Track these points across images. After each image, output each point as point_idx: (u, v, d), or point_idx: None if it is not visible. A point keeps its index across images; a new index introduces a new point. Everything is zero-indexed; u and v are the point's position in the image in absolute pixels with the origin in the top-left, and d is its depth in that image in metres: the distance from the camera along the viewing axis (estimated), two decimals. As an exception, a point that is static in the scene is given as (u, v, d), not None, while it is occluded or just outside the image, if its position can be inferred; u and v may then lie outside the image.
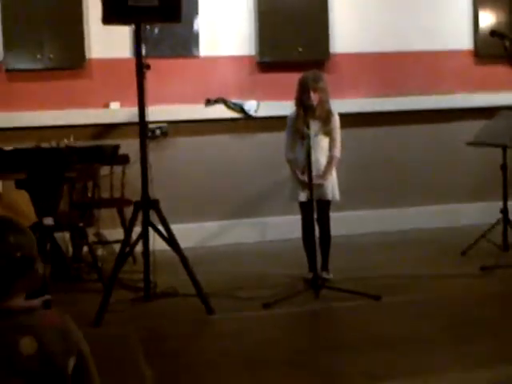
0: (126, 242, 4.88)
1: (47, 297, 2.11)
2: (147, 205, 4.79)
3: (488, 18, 7.22)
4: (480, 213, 6.86)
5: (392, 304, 4.79)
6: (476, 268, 5.42)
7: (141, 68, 4.79)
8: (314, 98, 5.16)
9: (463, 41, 7.27)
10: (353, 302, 4.80)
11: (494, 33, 5.33)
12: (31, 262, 2.07)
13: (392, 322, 4.45)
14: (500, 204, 5.96)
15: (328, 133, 5.27)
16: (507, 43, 5.26)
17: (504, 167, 5.94)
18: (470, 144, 6.12)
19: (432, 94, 7.14)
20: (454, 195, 7.24)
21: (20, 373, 1.97)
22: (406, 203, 7.15)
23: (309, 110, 5.10)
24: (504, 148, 5.89)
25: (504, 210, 5.95)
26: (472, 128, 6.30)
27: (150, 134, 5.73)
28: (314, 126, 5.14)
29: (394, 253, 6.26)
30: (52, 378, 2.00)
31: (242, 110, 6.77)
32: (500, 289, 5.00)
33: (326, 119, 5.25)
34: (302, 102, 5.16)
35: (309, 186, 4.99)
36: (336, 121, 5.30)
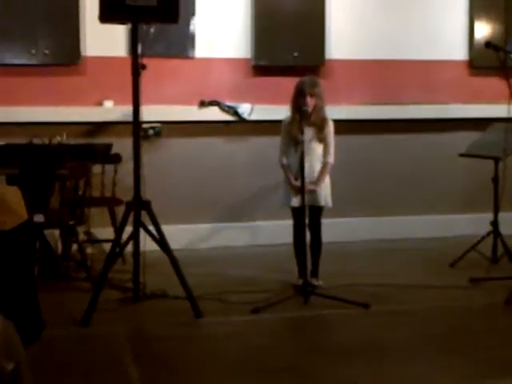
0: (117, 242, 4.85)
1: None
2: (139, 205, 4.77)
3: (483, 30, 7.24)
4: (470, 224, 6.88)
5: (381, 313, 4.79)
6: (465, 279, 5.42)
7: (137, 67, 4.77)
8: (310, 103, 5.16)
9: (459, 51, 7.29)
10: (342, 309, 4.79)
11: (489, 44, 5.33)
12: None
13: (380, 331, 4.44)
14: (490, 216, 5.98)
15: (322, 139, 5.26)
16: (502, 55, 5.27)
17: (495, 179, 5.95)
18: (462, 155, 6.14)
19: (426, 104, 7.15)
20: (445, 206, 7.25)
21: None
22: (397, 212, 7.16)
23: (304, 115, 5.09)
24: (496, 160, 5.91)
25: (494, 222, 5.96)
26: (465, 139, 6.33)
27: (143, 133, 5.71)
28: (309, 131, 5.13)
29: (384, 261, 6.27)
30: None
31: (235, 113, 6.76)
32: (489, 301, 5.00)
33: (320, 125, 5.25)
34: (298, 107, 5.16)
35: (301, 191, 4.99)
36: (330, 127, 5.30)
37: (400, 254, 6.56)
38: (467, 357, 3.96)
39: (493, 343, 4.21)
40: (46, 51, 6.32)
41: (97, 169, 5.98)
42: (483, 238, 6.01)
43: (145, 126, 6.04)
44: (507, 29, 7.21)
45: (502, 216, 5.97)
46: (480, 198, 6.75)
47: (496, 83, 6.76)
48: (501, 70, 5.22)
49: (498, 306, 4.88)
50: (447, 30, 7.25)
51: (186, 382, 3.71)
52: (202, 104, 6.71)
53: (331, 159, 5.28)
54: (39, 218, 5.03)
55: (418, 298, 5.11)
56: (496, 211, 5.96)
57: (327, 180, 5.31)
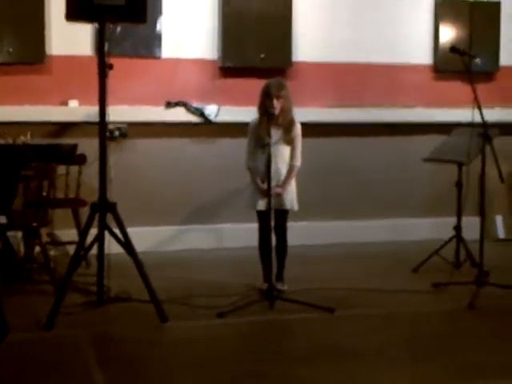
0: (81, 245, 4.80)
1: None
2: (105, 208, 4.72)
3: (448, 34, 7.32)
4: (433, 229, 6.96)
5: (345, 317, 4.80)
6: (428, 284, 5.47)
7: (103, 67, 4.71)
8: (277, 105, 5.15)
9: (423, 55, 7.37)
10: (307, 313, 4.80)
11: (453, 49, 5.37)
12: None
13: (344, 336, 4.46)
14: (454, 221, 6.04)
15: (289, 141, 5.26)
16: (467, 59, 5.31)
17: (459, 184, 6.01)
18: (426, 160, 6.18)
19: (391, 107, 7.20)
20: (409, 210, 7.31)
21: None
22: (361, 216, 7.20)
23: (271, 117, 5.09)
24: (459, 165, 5.96)
25: (457, 227, 6.03)
26: (429, 143, 6.39)
27: (109, 134, 5.64)
28: (276, 134, 5.13)
29: (349, 265, 6.30)
30: None
31: (202, 114, 6.74)
32: (452, 306, 5.05)
33: (287, 128, 5.25)
34: (265, 110, 5.16)
35: (267, 194, 4.98)
36: (298, 129, 5.30)
37: (364, 258, 6.60)
38: (433, 361, 3.98)
39: (458, 347, 4.24)
40: (10, 49, 6.24)
41: (61, 170, 5.91)
42: (446, 242, 6.07)
43: (110, 126, 5.97)
44: (472, 33, 7.29)
45: (465, 221, 6.03)
46: (443, 203, 6.83)
47: (460, 87, 6.84)
48: (465, 74, 5.26)
49: (461, 310, 4.92)
50: (412, 33, 7.32)
51: (150, 386, 3.68)
52: (169, 105, 6.68)
53: (298, 162, 5.28)
54: (1, 219, 4.97)
55: (383, 303, 5.14)
56: (459, 216, 6.02)
57: (293, 183, 5.31)
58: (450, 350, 4.20)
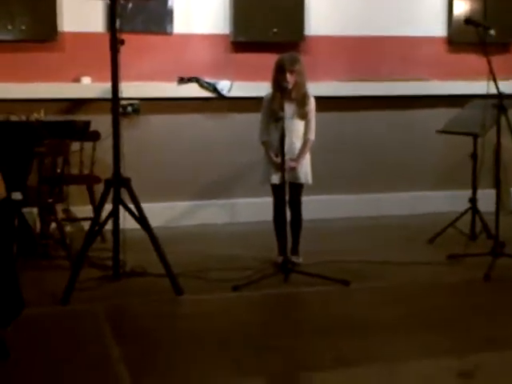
0: (96, 220, 4.82)
1: None
2: (119, 183, 4.74)
3: (462, 6, 7.24)
4: (449, 201, 6.92)
5: (360, 290, 4.82)
6: (443, 256, 5.46)
7: (115, 43, 4.71)
8: (290, 80, 5.13)
9: (437, 28, 7.29)
10: (322, 286, 4.81)
11: (468, 20, 5.31)
12: None
13: (360, 308, 4.47)
14: (469, 193, 6.01)
15: (303, 116, 5.25)
16: (481, 31, 5.25)
17: (474, 156, 5.97)
18: (440, 132, 6.15)
19: (404, 81, 7.15)
20: (424, 183, 7.28)
21: None
22: (375, 189, 7.18)
23: (284, 92, 5.07)
24: (475, 137, 5.93)
25: (472, 199, 6.00)
26: (443, 116, 6.35)
27: (121, 110, 5.64)
28: (290, 108, 5.12)
29: (363, 239, 6.29)
30: None
31: (215, 89, 6.72)
32: (467, 277, 5.04)
33: (301, 102, 5.23)
34: (278, 84, 5.14)
35: (281, 168, 4.98)
36: (312, 104, 5.28)
37: (379, 230, 6.59)
38: (448, 333, 3.99)
39: (473, 319, 4.24)
40: (23, 27, 6.23)
41: (75, 146, 5.92)
42: (462, 214, 6.06)
43: (123, 102, 5.97)
44: (486, 5, 7.20)
45: (481, 193, 6.01)
46: (458, 175, 6.79)
47: (475, 60, 6.77)
48: (480, 46, 5.20)
49: (476, 282, 4.92)
50: (426, 6, 7.25)
51: (166, 359, 3.70)
52: (181, 80, 6.66)
53: (312, 136, 5.27)
54: (17, 195, 4.98)
55: (398, 275, 5.14)
56: (474, 188, 5.99)
57: (307, 157, 5.30)
58: (464, 322, 4.20)
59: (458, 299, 4.66)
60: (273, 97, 5.22)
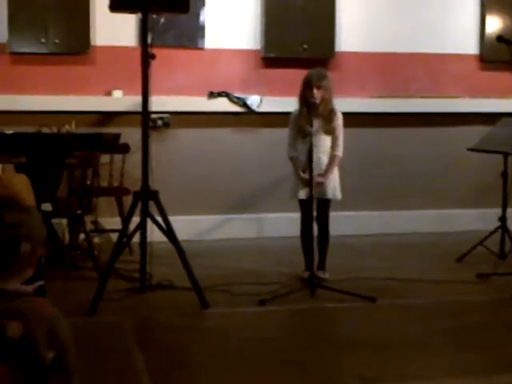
0: (124, 232, 4.85)
1: (40, 283, 2.06)
2: (147, 195, 4.76)
3: (495, 23, 7.21)
4: (479, 219, 6.86)
5: (387, 307, 4.78)
6: (472, 275, 5.40)
7: (146, 57, 4.76)
8: (317, 95, 5.14)
9: (469, 45, 7.26)
10: (348, 302, 4.78)
11: (500, 38, 5.29)
12: (27, 242, 2.00)
13: (386, 325, 4.44)
14: (499, 211, 5.96)
15: (330, 131, 5.24)
16: (514, 49, 5.23)
17: (504, 174, 5.93)
18: (471, 150, 6.11)
19: (436, 98, 7.12)
20: (454, 200, 7.22)
21: (4, 357, 1.93)
22: (405, 206, 7.13)
23: (311, 107, 5.08)
24: (505, 155, 5.89)
25: (502, 218, 5.95)
26: (474, 133, 6.29)
27: (151, 124, 5.71)
28: (317, 124, 5.12)
29: (391, 255, 6.25)
30: (31, 367, 1.96)
31: (244, 104, 6.75)
32: (496, 296, 4.98)
33: (328, 117, 5.23)
34: (305, 100, 5.15)
35: (309, 183, 4.98)
36: (339, 119, 5.28)
37: (407, 248, 6.55)
38: (475, 353, 3.94)
39: (502, 338, 4.19)
40: (56, 40, 6.32)
41: (105, 159, 5.99)
42: (491, 233, 5.99)
43: (153, 116, 6.03)
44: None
45: (510, 212, 5.95)
46: (489, 194, 6.73)
47: (507, 78, 6.74)
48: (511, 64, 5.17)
49: (505, 301, 4.86)
50: (458, 23, 7.22)
51: (191, 372, 3.71)
52: (211, 95, 6.70)
53: (339, 152, 5.26)
54: (47, 206, 5.04)
55: (425, 293, 5.10)
56: (504, 206, 5.94)
57: (336, 173, 5.29)
58: (493, 341, 4.15)
59: (487, 318, 4.60)
60: (300, 112, 5.23)
